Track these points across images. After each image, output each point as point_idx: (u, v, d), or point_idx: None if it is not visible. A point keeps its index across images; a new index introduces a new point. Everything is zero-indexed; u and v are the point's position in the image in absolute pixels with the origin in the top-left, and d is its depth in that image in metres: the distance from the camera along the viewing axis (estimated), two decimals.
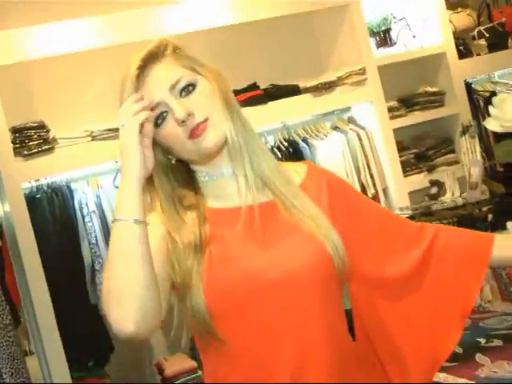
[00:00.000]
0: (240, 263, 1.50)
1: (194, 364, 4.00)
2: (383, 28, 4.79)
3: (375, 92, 4.57)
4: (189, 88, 1.53)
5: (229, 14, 4.25)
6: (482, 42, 5.04)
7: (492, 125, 2.21)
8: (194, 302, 1.47)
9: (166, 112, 1.52)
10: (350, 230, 1.63)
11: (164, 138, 1.54)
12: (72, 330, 3.74)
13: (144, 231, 1.42)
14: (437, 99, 4.95)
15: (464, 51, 5.01)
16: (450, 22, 4.95)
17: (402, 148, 4.77)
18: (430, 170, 4.86)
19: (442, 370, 1.92)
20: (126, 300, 1.36)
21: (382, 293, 1.67)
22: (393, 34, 4.84)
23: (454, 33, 4.96)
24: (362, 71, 4.54)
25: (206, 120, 1.52)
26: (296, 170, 1.68)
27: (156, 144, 1.54)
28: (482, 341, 2.20)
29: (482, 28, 5.08)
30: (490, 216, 3.41)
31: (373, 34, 4.79)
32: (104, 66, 4.23)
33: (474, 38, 5.10)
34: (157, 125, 1.52)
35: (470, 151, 3.46)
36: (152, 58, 1.55)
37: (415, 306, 1.66)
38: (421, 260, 1.64)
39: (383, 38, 4.81)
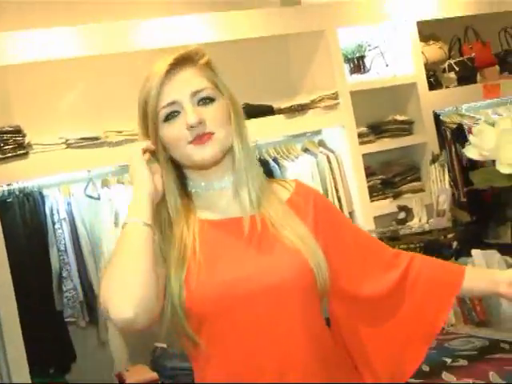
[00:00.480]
0: (226, 272, 1.57)
1: (154, 375, 4.00)
2: (357, 55, 4.90)
3: (347, 117, 4.66)
4: (207, 100, 1.62)
5: (206, 31, 4.31)
6: (452, 74, 5.16)
7: (471, 153, 2.30)
8: (173, 304, 1.55)
9: (179, 112, 1.60)
10: (331, 246, 1.71)
11: (167, 134, 1.61)
12: (36, 336, 3.74)
13: (151, 233, 1.52)
14: (406, 128, 5.05)
15: (434, 83, 5.12)
16: (422, 53, 5.06)
17: (369, 173, 4.86)
18: (396, 196, 4.96)
19: None
20: (129, 287, 1.45)
21: (357, 308, 1.77)
22: (366, 61, 4.94)
23: (426, 64, 5.07)
24: (335, 96, 4.63)
25: (212, 133, 1.60)
26: (284, 186, 1.76)
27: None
28: (448, 360, 2.27)
29: (452, 61, 5.20)
30: (455, 243, 3.50)
31: (347, 60, 4.89)
32: (83, 75, 4.27)
33: (444, 71, 5.22)
34: (166, 120, 1.60)
35: (438, 179, 3.56)
36: (185, 61, 1.63)
37: (387, 323, 1.76)
38: (397, 282, 1.75)
39: (357, 64, 4.91)
